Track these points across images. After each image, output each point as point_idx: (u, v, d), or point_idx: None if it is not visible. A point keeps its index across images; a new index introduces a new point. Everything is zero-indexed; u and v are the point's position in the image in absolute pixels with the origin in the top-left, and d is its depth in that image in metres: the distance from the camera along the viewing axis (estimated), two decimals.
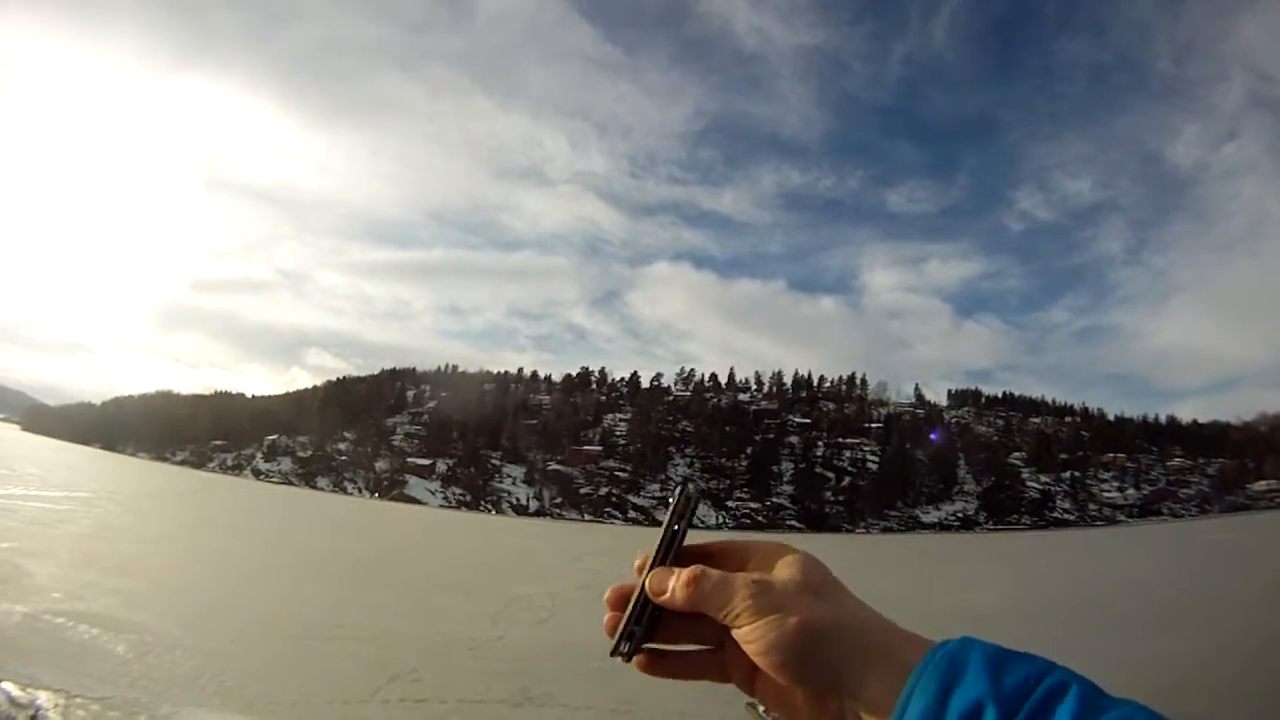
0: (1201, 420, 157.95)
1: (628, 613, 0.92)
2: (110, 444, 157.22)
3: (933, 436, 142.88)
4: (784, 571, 0.85)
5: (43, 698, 8.24)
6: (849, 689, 0.77)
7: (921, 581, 27.75)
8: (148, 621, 12.46)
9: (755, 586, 0.83)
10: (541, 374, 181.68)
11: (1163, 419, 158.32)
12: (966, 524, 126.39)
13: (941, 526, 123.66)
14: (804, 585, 0.83)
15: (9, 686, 7.99)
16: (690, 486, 0.95)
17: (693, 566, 0.88)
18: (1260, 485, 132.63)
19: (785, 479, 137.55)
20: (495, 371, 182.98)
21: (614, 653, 0.92)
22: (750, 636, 0.81)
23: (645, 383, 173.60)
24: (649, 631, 0.93)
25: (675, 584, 0.88)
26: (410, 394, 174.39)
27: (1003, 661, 0.71)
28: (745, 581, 0.84)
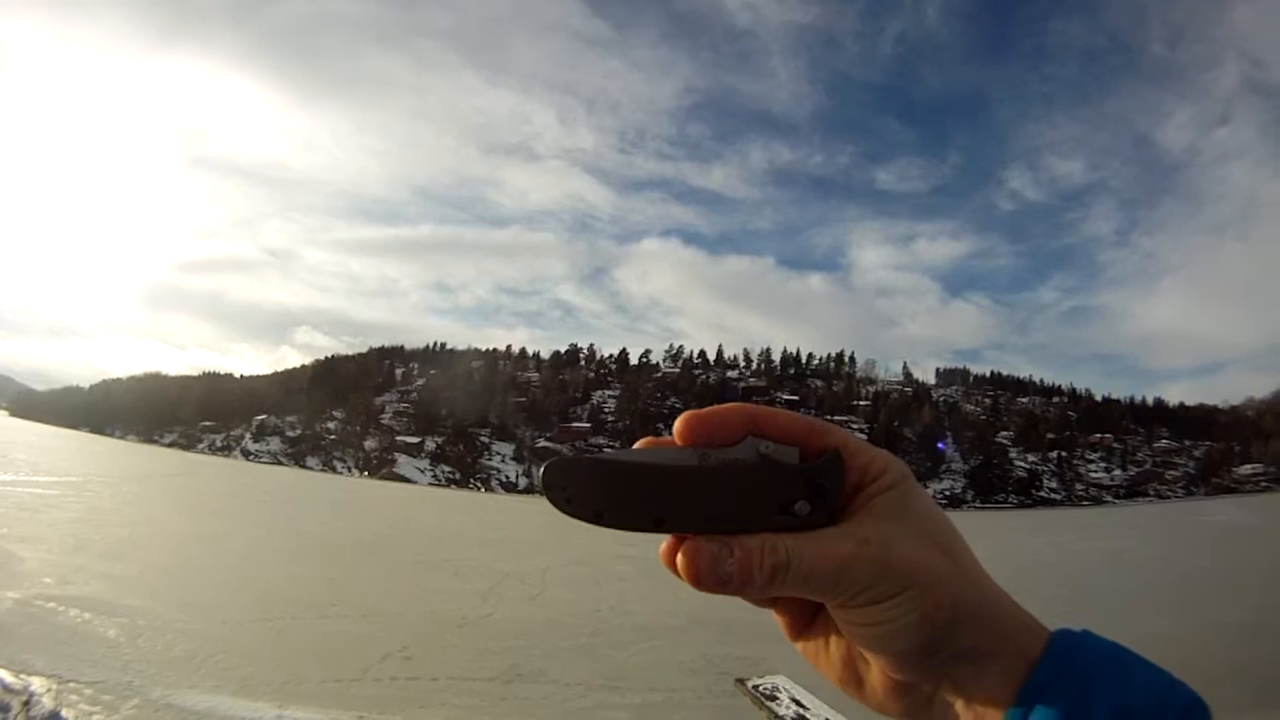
0: (1189, 403, 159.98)
1: None
2: (99, 427, 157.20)
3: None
4: (901, 515, 0.63)
5: (35, 683, 8.32)
6: (958, 680, 0.62)
7: None
8: (139, 605, 12.53)
9: (874, 551, 0.60)
10: (530, 351, 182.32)
11: (1150, 401, 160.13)
12: (954, 502, 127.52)
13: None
14: (932, 540, 0.63)
15: (2, 673, 8.07)
16: None
17: (762, 540, 0.61)
18: (1246, 468, 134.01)
19: None
20: (484, 349, 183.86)
21: None
22: (864, 620, 0.61)
23: (634, 359, 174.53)
24: None
25: (738, 569, 0.61)
26: (399, 372, 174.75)
27: (1132, 667, 0.61)
28: (858, 546, 0.60)
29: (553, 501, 0.63)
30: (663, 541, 0.63)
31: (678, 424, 0.64)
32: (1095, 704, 0.57)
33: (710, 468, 0.63)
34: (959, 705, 0.62)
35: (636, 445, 0.65)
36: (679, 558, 0.61)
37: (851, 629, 0.63)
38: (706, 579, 0.61)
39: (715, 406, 0.65)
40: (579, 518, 0.62)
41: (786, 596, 0.65)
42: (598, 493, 0.62)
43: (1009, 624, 0.62)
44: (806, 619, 0.70)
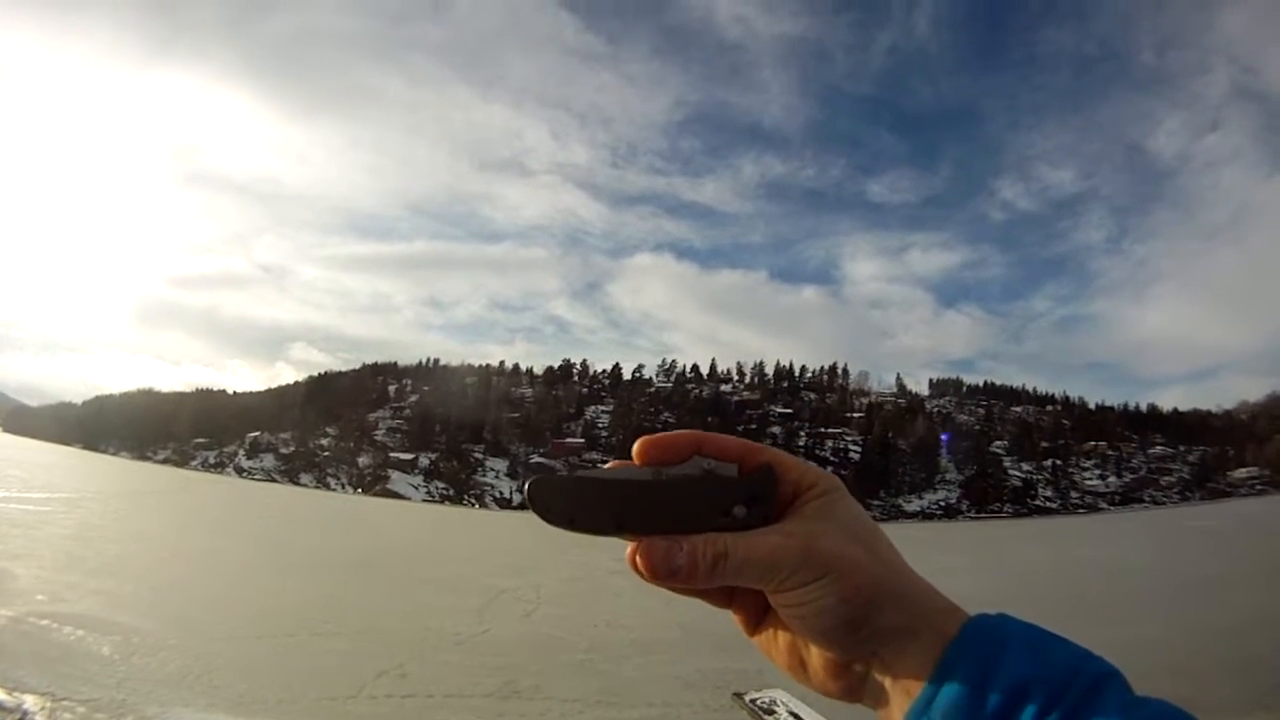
0: (1182, 408, 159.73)
1: None
2: (92, 444, 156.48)
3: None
4: (826, 517, 0.74)
5: (29, 701, 8.27)
6: (884, 659, 0.70)
7: None
8: (133, 622, 12.47)
9: (800, 543, 0.71)
10: (523, 366, 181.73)
11: (1144, 407, 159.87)
12: (949, 512, 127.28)
13: (924, 515, 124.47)
14: (853, 537, 0.73)
15: None
16: None
17: (706, 537, 0.72)
18: (1241, 473, 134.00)
19: None
20: (477, 364, 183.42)
21: None
22: (792, 601, 0.71)
23: (627, 374, 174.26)
24: None
25: (686, 560, 0.72)
26: (392, 388, 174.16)
27: (1045, 643, 0.67)
28: (785, 540, 0.71)
29: (535, 511, 0.74)
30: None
31: (635, 447, 0.76)
32: (998, 676, 0.63)
33: (662, 481, 0.74)
34: (887, 682, 0.70)
35: (607, 466, 0.76)
36: (637, 555, 0.72)
37: (786, 612, 0.72)
38: (660, 569, 0.72)
39: (667, 432, 0.77)
40: (556, 524, 0.74)
41: (739, 596, 0.78)
42: (571, 503, 0.74)
43: (927, 607, 0.71)
44: (758, 616, 0.79)
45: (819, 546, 0.70)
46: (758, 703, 7.33)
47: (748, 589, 0.75)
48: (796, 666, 0.77)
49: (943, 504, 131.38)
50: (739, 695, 7.91)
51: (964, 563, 33.38)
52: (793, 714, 7.02)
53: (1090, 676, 0.63)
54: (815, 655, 0.74)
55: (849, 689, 0.74)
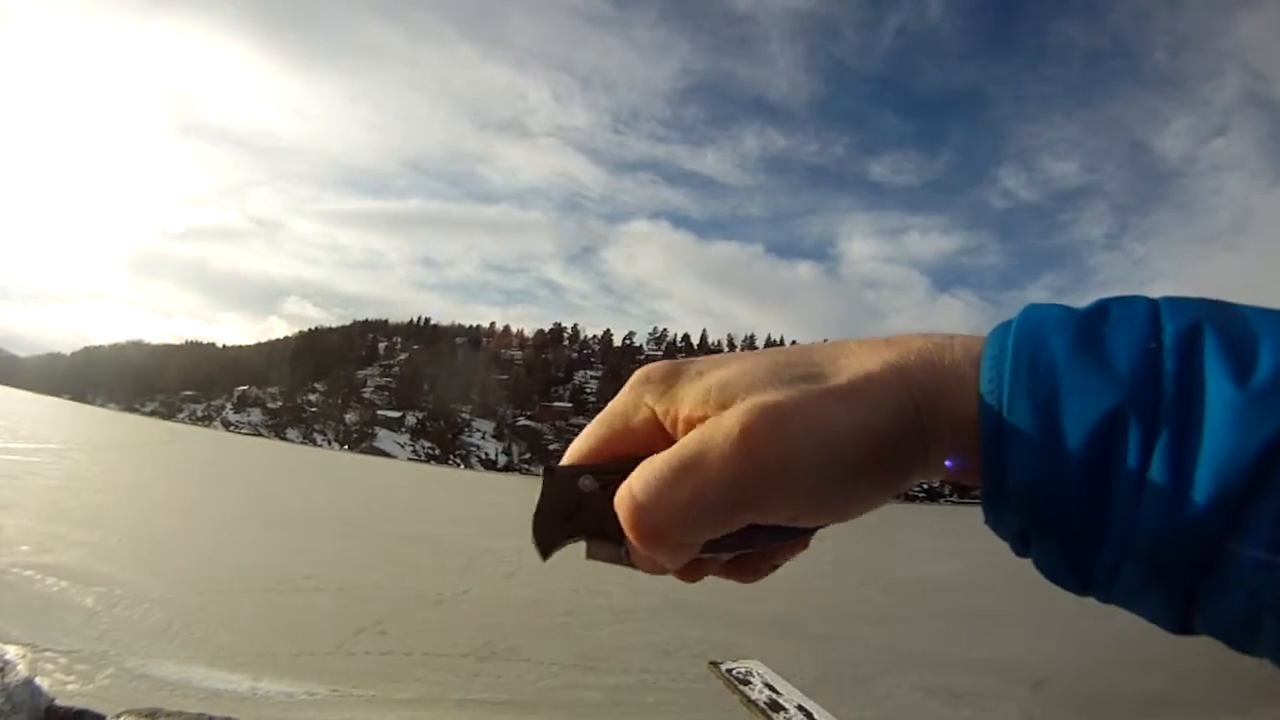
0: None
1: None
2: (80, 395, 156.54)
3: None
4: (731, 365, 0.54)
5: (10, 651, 8.27)
6: (932, 437, 0.51)
7: (884, 551, 28.11)
8: (116, 574, 12.52)
9: (737, 439, 0.49)
10: (514, 329, 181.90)
11: None
12: (931, 495, 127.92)
13: (906, 497, 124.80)
14: (767, 373, 0.52)
15: None
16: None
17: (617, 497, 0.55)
18: None
19: None
20: (468, 325, 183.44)
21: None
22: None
23: (618, 341, 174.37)
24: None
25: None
26: (382, 346, 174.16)
27: (1097, 339, 0.46)
28: (718, 443, 0.49)
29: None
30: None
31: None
32: (1069, 417, 0.45)
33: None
34: (933, 456, 0.52)
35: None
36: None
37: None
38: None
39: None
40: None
41: None
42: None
43: (900, 348, 0.53)
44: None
45: (750, 456, 0.49)
46: (734, 672, 7.43)
47: None
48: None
49: (925, 486, 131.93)
50: (715, 664, 8.01)
51: (945, 543, 33.65)
52: (768, 685, 7.12)
53: (1176, 349, 0.44)
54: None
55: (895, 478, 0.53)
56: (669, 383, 0.55)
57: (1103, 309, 0.48)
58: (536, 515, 0.61)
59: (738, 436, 0.49)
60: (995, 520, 0.50)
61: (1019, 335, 0.49)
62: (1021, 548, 0.50)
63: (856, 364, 0.52)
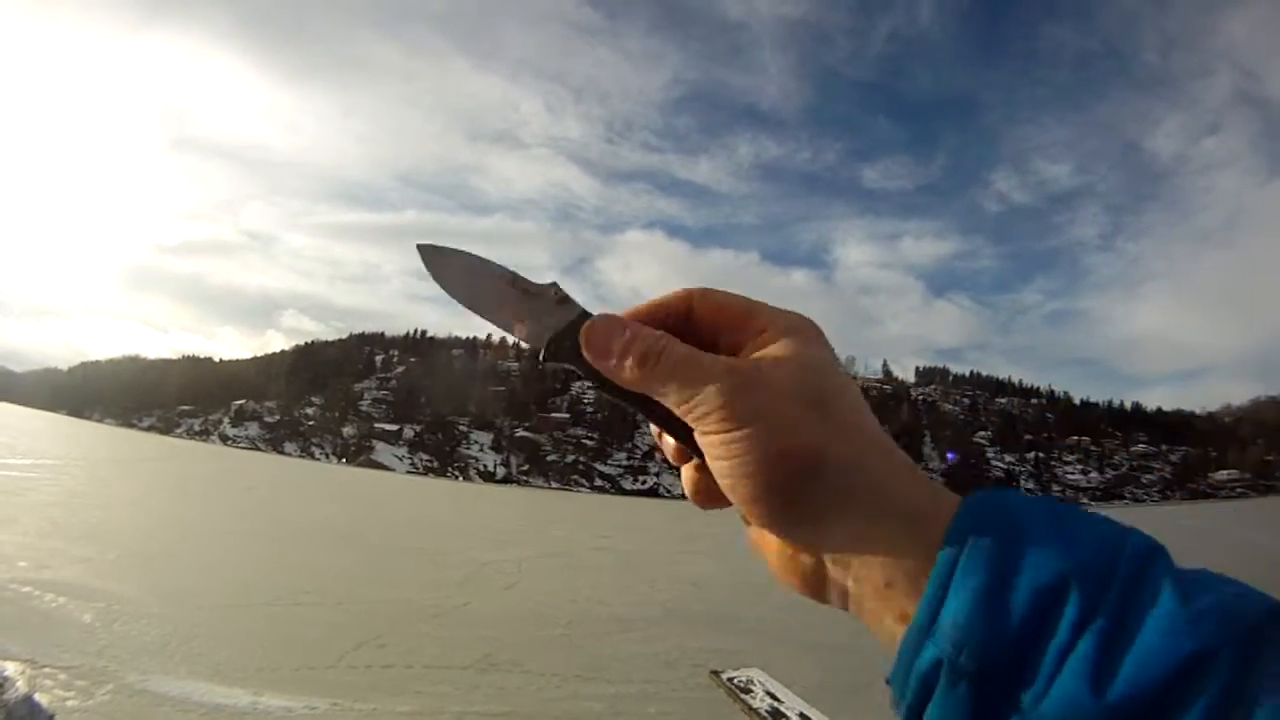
0: (1166, 408, 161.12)
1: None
2: (77, 410, 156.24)
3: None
4: (781, 361, 0.60)
5: (9, 667, 8.30)
6: (837, 549, 0.57)
7: None
8: (115, 589, 12.50)
9: (734, 378, 0.58)
10: (510, 340, 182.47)
11: (1128, 405, 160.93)
12: None
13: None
14: (802, 386, 0.58)
15: None
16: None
17: (655, 332, 0.63)
18: (1222, 474, 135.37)
19: None
20: (464, 337, 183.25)
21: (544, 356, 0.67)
22: (717, 451, 0.58)
23: None
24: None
25: (621, 347, 0.63)
26: (379, 359, 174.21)
27: (1069, 522, 0.51)
28: (724, 368, 0.59)
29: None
30: None
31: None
32: (1020, 574, 0.49)
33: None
34: (851, 582, 0.57)
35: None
36: (589, 332, 0.65)
37: (712, 467, 0.60)
38: (599, 347, 0.64)
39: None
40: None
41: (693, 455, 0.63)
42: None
43: (896, 484, 0.56)
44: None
45: (750, 389, 0.58)
46: (735, 681, 7.44)
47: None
48: (757, 543, 0.65)
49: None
50: (716, 674, 8.02)
51: None
52: (769, 693, 7.13)
53: (1132, 559, 0.49)
54: (764, 537, 0.63)
55: (807, 584, 0.61)
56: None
57: (1077, 508, 0.53)
58: (555, 337, 0.66)
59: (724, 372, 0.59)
60: (908, 656, 0.52)
61: (998, 495, 0.54)
62: (915, 701, 0.52)
63: (872, 427, 0.60)
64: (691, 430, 0.61)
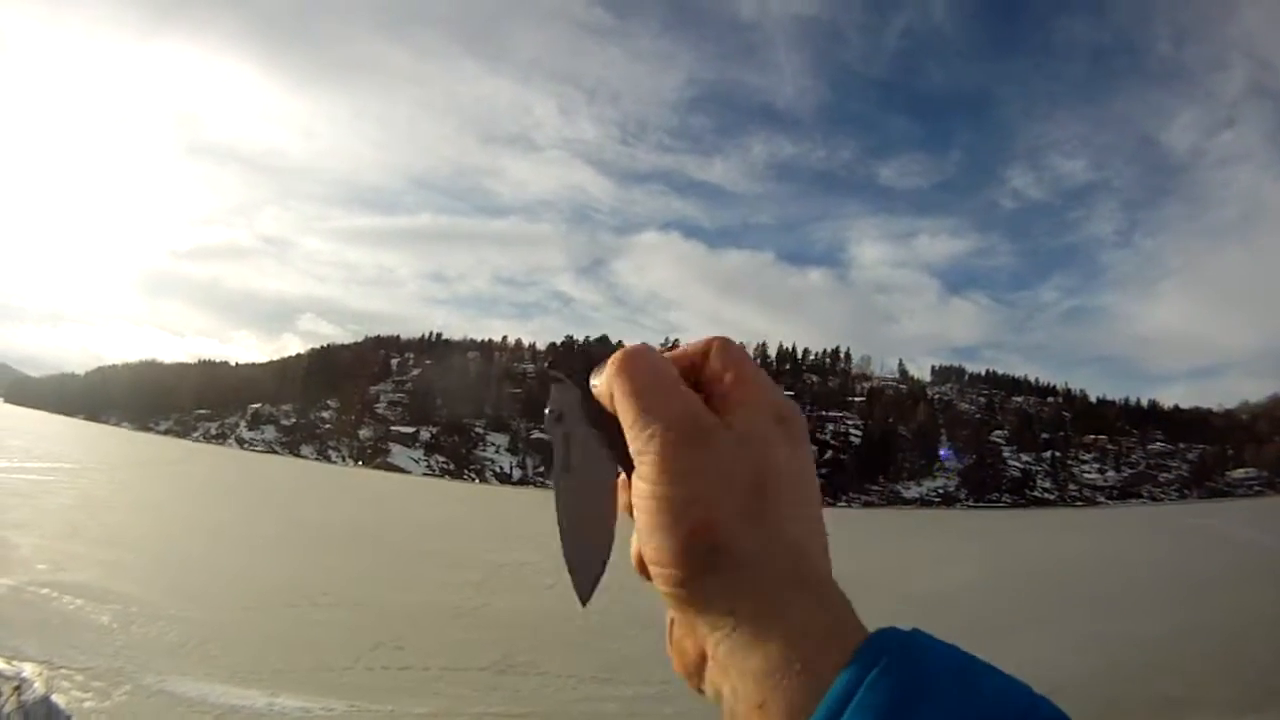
0: (1183, 406, 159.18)
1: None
2: (94, 414, 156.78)
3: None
4: (747, 433, 0.55)
5: (28, 669, 8.30)
6: (716, 652, 0.51)
7: (901, 557, 28.03)
8: (132, 592, 12.53)
9: (687, 425, 0.54)
10: (526, 342, 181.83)
11: (1145, 403, 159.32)
12: (947, 500, 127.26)
13: (922, 502, 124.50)
14: (751, 466, 0.54)
15: None
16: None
17: (649, 348, 0.61)
18: (1239, 472, 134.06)
19: None
20: (480, 340, 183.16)
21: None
22: (638, 498, 0.55)
23: None
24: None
25: (615, 356, 0.59)
26: (394, 362, 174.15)
27: (980, 678, 0.46)
28: (683, 411, 0.55)
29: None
30: None
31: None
32: None
33: None
34: (727, 689, 0.51)
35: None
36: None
37: (634, 501, 0.56)
38: (604, 358, 0.60)
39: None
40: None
41: None
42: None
43: (805, 601, 0.51)
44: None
45: (696, 444, 0.54)
46: None
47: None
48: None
49: (941, 491, 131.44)
50: None
51: (960, 551, 33.45)
52: None
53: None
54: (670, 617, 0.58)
55: (686, 670, 0.57)
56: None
57: (989, 665, 0.47)
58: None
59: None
60: None
61: (906, 636, 0.48)
62: None
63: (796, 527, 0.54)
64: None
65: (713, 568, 0.51)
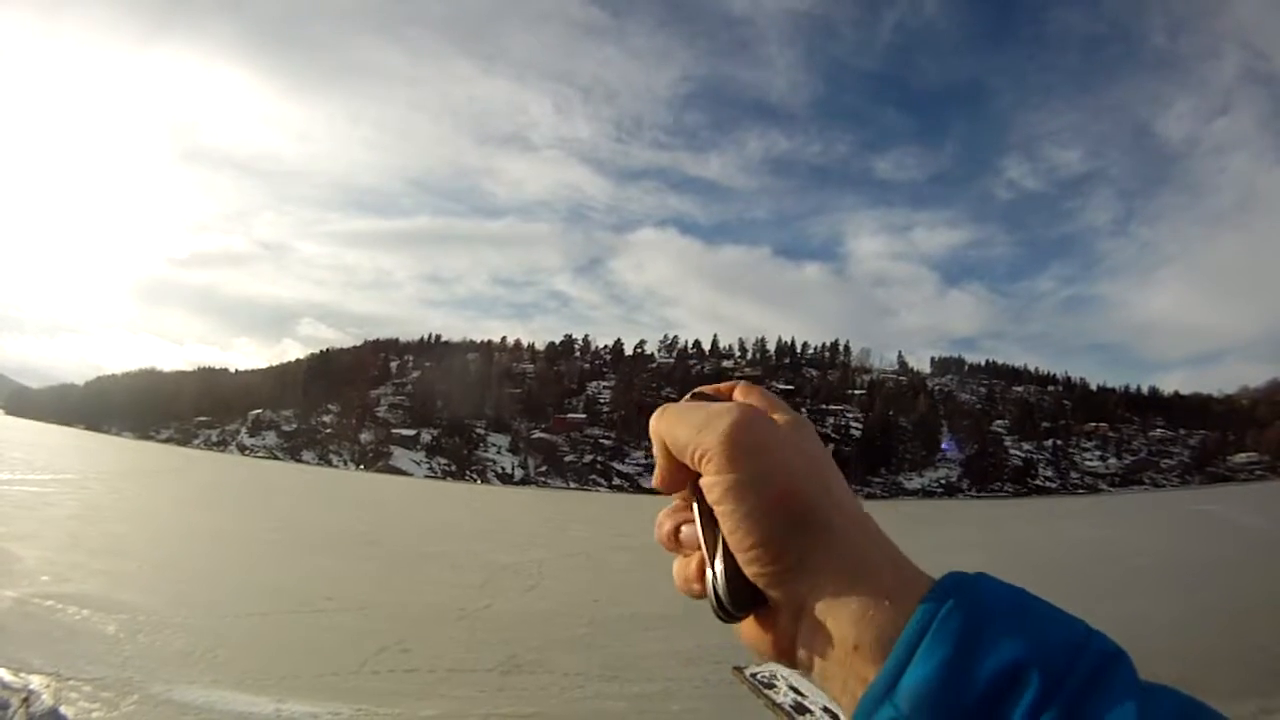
0: (1184, 392, 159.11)
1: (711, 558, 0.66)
2: (94, 424, 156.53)
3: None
4: (783, 424, 0.65)
5: (35, 681, 8.32)
6: (814, 608, 0.58)
7: (904, 547, 27.95)
8: (137, 601, 12.55)
9: (739, 412, 0.63)
10: (525, 343, 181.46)
11: (1145, 390, 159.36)
12: (949, 491, 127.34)
13: (925, 493, 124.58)
14: (802, 441, 0.64)
15: (1, 671, 8.08)
16: None
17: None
18: (1240, 457, 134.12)
19: None
20: (479, 341, 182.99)
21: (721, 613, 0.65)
22: (717, 494, 0.61)
23: (629, 350, 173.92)
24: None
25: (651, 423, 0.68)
26: (394, 365, 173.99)
27: (1037, 614, 0.54)
28: (727, 405, 0.64)
29: None
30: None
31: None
32: (984, 654, 0.51)
33: None
34: (818, 643, 0.58)
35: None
36: None
37: (715, 508, 0.62)
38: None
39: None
40: None
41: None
42: None
43: (879, 555, 0.60)
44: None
45: (753, 425, 0.62)
46: (758, 677, 7.39)
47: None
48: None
49: (943, 482, 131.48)
50: (739, 669, 7.97)
51: (963, 540, 33.50)
52: (792, 687, 7.09)
53: (1094, 657, 0.51)
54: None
55: (781, 649, 0.62)
56: None
57: (1047, 602, 0.56)
58: None
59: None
60: (864, 715, 0.53)
61: (972, 578, 0.57)
62: None
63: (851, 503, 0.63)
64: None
65: (804, 529, 0.59)
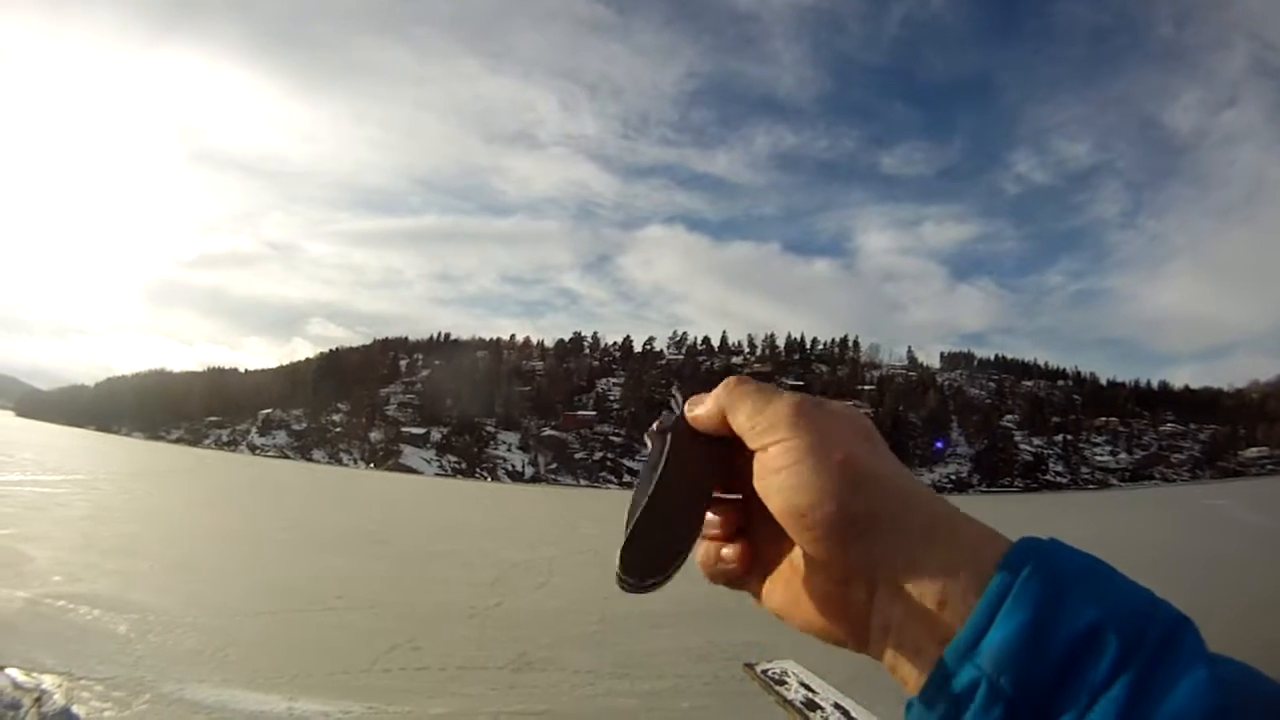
0: (1194, 386, 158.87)
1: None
2: (105, 425, 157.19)
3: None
4: (827, 405, 0.67)
5: (47, 681, 8.35)
6: (892, 571, 0.59)
7: None
8: (149, 600, 12.57)
9: (802, 398, 0.66)
10: (534, 340, 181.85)
11: (1155, 384, 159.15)
12: (960, 486, 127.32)
13: (935, 489, 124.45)
14: (857, 423, 0.66)
15: (14, 671, 8.11)
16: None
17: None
18: (1252, 451, 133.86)
19: None
20: (488, 339, 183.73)
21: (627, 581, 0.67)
22: (779, 461, 0.63)
23: (638, 347, 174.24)
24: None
25: (714, 389, 0.70)
26: (403, 363, 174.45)
27: (1109, 579, 0.56)
28: (791, 392, 0.67)
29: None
30: None
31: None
32: (1063, 615, 0.52)
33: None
34: (899, 612, 0.59)
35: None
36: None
37: (766, 484, 0.64)
38: (697, 398, 0.73)
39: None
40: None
41: (754, 519, 0.71)
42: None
43: (949, 515, 0.61)
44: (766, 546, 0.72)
45: (814, 409, 0.64)
46: (769, 674, 7.35)
47: (758, 522, 0.69)
48: (792, 603, 0.69)
49: (953, 477, 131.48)
50: (750, 666, 7.94)
51: None
52: (804, 684, 7.05)
53: (1164, 623, 0.53)
54: (812, 581, 0.65)
55: (852, 625, 0.63)
56: None
57: (1115, 570, 0.57)
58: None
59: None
60: (945, 674, 0.54)
61: (1047, 542, 0.58)
62: (943, 719, 0.54)
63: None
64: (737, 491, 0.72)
65: (869, 494, 0.60)
